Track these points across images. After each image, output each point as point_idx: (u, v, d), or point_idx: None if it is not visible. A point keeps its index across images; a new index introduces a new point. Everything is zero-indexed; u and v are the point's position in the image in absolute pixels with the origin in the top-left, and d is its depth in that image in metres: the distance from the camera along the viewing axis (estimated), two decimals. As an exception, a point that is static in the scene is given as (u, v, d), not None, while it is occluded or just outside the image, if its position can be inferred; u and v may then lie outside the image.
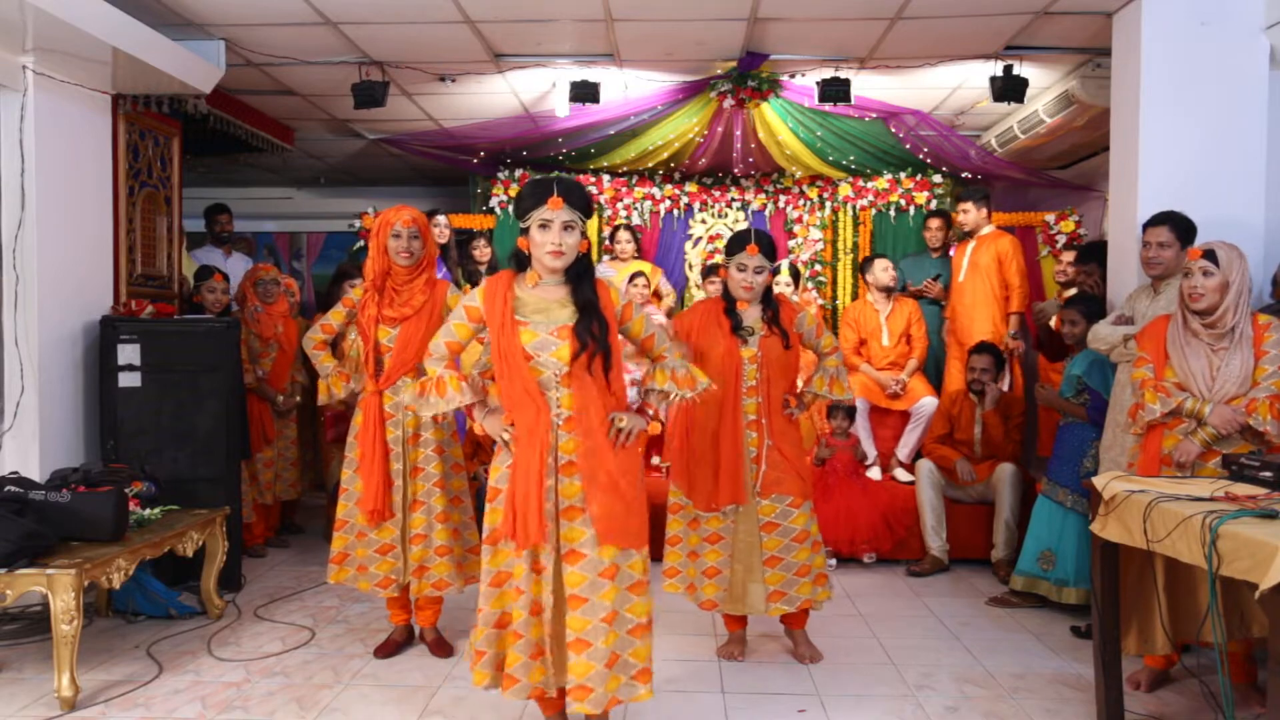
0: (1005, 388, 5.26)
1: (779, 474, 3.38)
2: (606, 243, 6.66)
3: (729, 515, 3.42)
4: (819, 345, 3.52)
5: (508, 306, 2.51)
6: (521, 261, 2.59)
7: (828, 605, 3.62)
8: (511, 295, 2.54)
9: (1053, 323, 4.89)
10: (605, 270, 6.21)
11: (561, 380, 2.49)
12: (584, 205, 2.51)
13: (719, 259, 6.91)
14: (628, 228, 6.42)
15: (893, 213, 6.82)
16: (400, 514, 3.46)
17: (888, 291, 5.68)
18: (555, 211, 2.45)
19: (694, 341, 3.44)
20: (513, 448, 2.52)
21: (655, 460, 5.28)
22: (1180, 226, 3.58)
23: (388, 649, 3.67)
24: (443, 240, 6.28)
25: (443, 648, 3.64)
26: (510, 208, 6.92)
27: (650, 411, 2.74)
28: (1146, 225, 3.67)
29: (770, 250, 3.38)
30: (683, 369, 2.69)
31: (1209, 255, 3.07)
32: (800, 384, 3.70)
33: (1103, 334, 3.75)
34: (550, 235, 2.46)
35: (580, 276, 2.54)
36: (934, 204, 6.75)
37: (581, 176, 6.95)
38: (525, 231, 2.51)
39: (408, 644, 3.73)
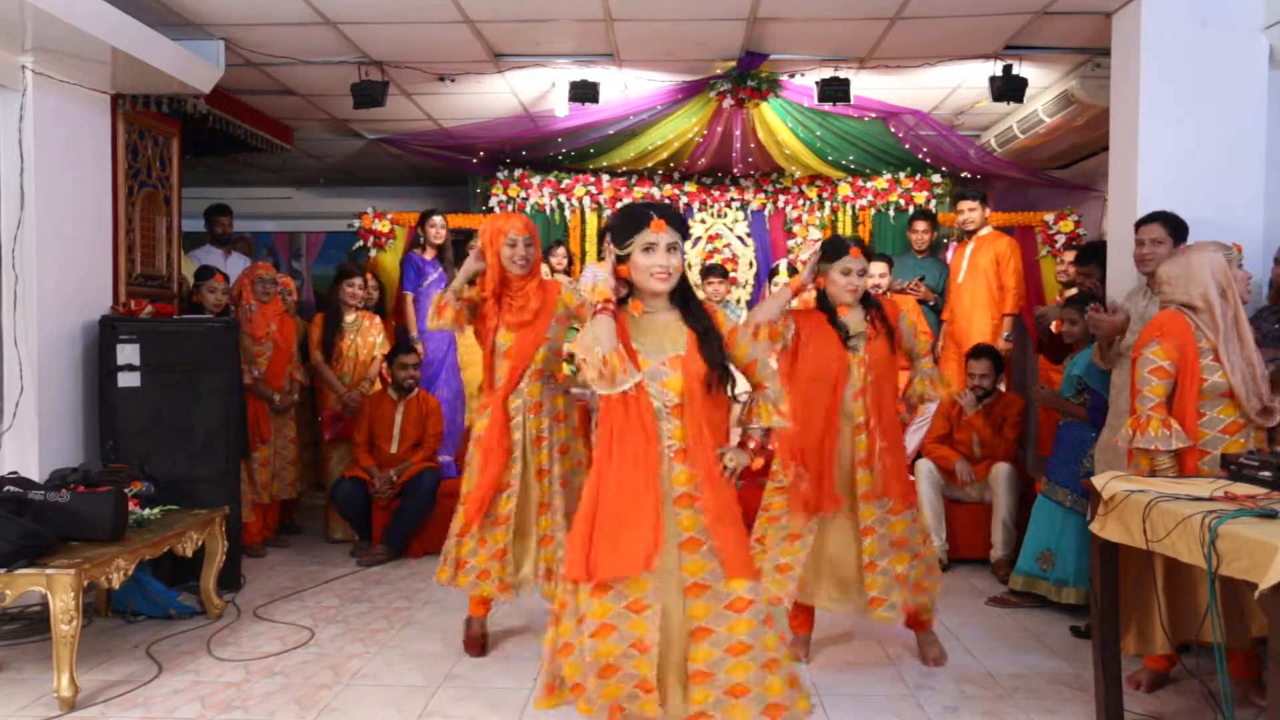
0: (1001, 388, 5.26)
1: (885, 479, 3.34)
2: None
3: (814, 521, 3.37)
4: (915, 346, 3.50)
5: (622, 331, 2.48)
6: (622, 300, 2.55)
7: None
8: (624, 320, 2.51)
9: (1054, 326, 4.89)
10: (597, 271, 6.20)
11: (672, 411, 2.46)
12: (682, 227, 2.50)
13: (718, 259, 6.92)
14: None
15: (892, 212, 6.82)
16: (511, 518, 3.42)
17: (882, 294, 5.66)
18: (659, 234, 2.42)
19: (801, 355, 3.38)
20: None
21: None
22: (1172, 224, 3.58)
23: (479, 646, 3.64)
24: (439, 241, 6.28)
25: None
26: (509, 207, 6.92)
27: (752, 445, 2.68)
28: (1139, 224, 3.68)
29: (869, 253, 3.38)
30: (784, 401, 2.66)
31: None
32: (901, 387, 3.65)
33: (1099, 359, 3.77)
34: (656, 258, 2.43)
35: (687, 299, 2.52)
36: (933, 204, 6.75)
37: (581, 176, 6.95)
38: (623, 259, 2.48)
39: (487, 636, 3.70)
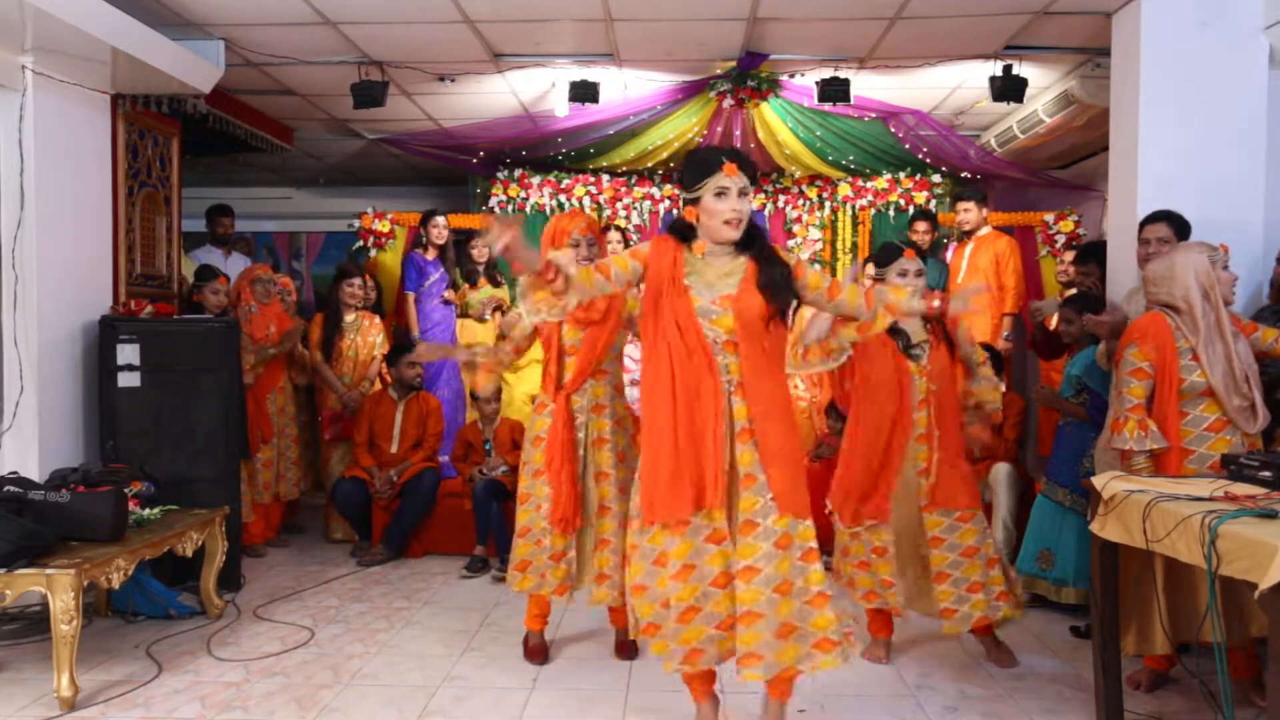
0: (1001, 389, 5.25)
1: (950, 487, 3.33)
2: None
3: (890, 530, 3.36)
4: (972, 355, 3.48)
5: (677, 268, 2.47)
6: (684, 232, 2.54)
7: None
8: (681, 257, 2.50)
9: (1047, 322, 4.89)
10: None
11: (725, 347, 2.47)
12: (753, 173, 2.49)
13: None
14: (618, 228, 6.41)
15: (892, 212, 6.81)
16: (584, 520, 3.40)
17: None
18: (731, 178, 2.41)
19: (859, 366, 3.37)
20: (567, 269, 2.34)
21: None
22: (1177, 224, 3.59)
23: (540, 654, 3.59)
24: (441, 241, 6.29)
25: (628, 649, 3.56)
26: (508, 207, 6.92)
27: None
28: (1144, 223, 3.69)
29: (924, 255, 3.38)
30: (890, 296, 2.67)
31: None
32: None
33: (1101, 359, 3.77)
34: (728, 202, 2.42)
35: (752, 244, 2.51)
36: (933, 204, 6.75)
37: (581, 176, 6.95)
38: (693, 202, 2.47)
39: (544, 647, 3.66)
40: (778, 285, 2.45)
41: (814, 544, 2.51)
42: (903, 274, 3.33)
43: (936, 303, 2.80)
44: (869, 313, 2.64)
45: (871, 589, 3.43)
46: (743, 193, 2.43)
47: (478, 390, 3.30)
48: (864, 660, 3.58)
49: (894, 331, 3.30)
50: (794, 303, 2.60)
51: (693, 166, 2.48)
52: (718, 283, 2.49)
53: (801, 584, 2.45)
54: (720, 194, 2.42)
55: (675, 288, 2.46)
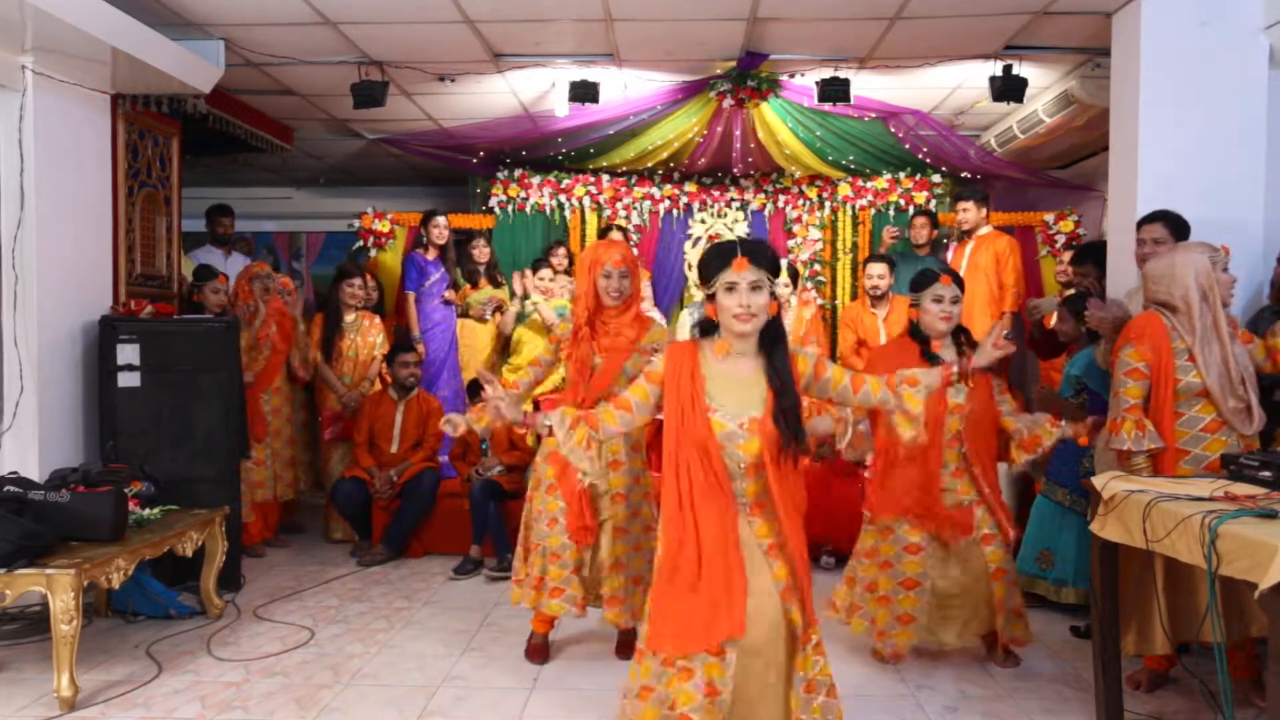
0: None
1: (1003, 520, 3.39)
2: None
3: (929, 560, 3.36)
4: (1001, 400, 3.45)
5: (696, 386, 2.38)
6: (707, 329, 2.47)
7: (827, 604, 3.62)
8: (699, 372, 2.39)
9: (1051, 321, 4.89)
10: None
11: (746, 470, 2.39)
12: (772, 264, 2.37)
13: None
14: (619, 228, 6.41)
15: (892, 212, 6.81)
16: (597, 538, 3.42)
17: (881, 296, 5.66)
18: (740, 273, 2.32)
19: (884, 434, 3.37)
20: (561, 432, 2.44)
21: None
22: (1173, 223, 3.59)
23: (541, 654, 3.61)
24: (441, 241, 6.29)
25: (628, 650, 3.51)
26: (508, 207, 6.92)
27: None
28: (1141, 223, 3.69)
29: (960, 280, 3.34)
30: (905, 390, 2.54)
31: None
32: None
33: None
34: (737, 297, 2.33)
35: (774, 345, 2.40)
36: (933, 204, 6.75)
37: (581, 176, 6.95)
38: (711, 298, 2.40)
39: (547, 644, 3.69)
40: (788, 420, 2.36)
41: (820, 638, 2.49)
42: (938, 300, 3.31)
43: (955, 369, 2.71)
44: (894, 399, 2.54)
45: (882, 629, 3.39)
46: (755, 287, 2.33)
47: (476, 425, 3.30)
48: (843, 660, 3.58)
49: (927, 357, 3.28)
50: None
51: (708, 261, 2.41)
52: (746, 397, 2.39)
53: (819, 678, 2.43)
54: (730, 289, 2.35)
55: (697, 409, 2.37)
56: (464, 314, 6.40)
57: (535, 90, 5.68)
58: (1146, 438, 3.03)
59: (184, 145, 5.26)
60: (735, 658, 2.33)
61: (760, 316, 2.34)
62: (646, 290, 6.39)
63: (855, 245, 6.89)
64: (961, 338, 3.39)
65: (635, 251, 3.47)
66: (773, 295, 2.37)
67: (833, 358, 6.41)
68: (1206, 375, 3.01)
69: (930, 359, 3.27)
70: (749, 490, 2.40)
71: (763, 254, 2.36)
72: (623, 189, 6.99)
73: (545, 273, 6.07)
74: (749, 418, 2.36)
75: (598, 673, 3.46)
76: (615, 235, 6.30)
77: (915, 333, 3.41)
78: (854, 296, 6.74)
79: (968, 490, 3.37)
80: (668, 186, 7.01)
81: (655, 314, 5.90)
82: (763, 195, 7.01)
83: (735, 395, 2.38)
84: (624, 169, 6.85)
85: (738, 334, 2.37)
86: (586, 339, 3.38)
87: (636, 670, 2.44)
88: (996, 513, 3.39)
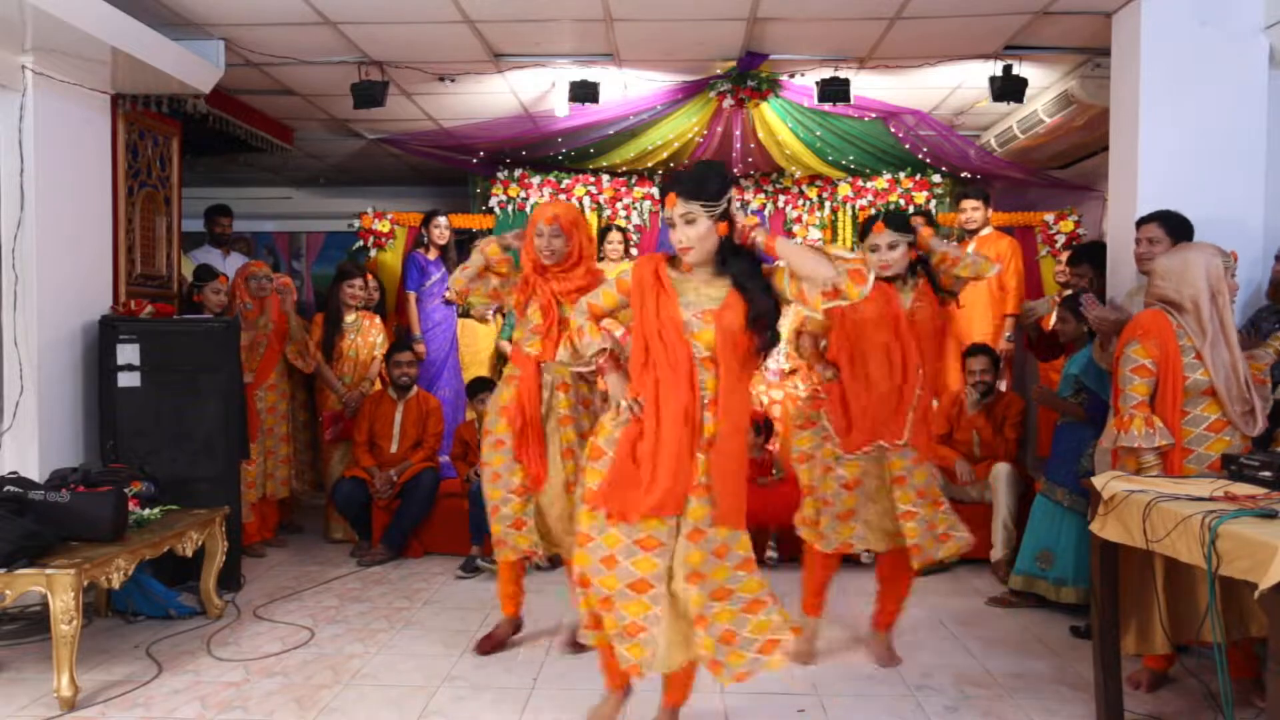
0: (1002, 388, 5.26)
1: (914, 428, 3.36)
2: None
3: (865, 461, 3.38)
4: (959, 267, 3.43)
5: (661, 282, 2.55)
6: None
7: (827, 604, 3.63)
8: (665, 273, 2.57)
9: (1049, 322, 4.89)
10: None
11: (704, 362, 2.52)
12: (707, 193, 2.47)
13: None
14: (619, 228, 6.40)
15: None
16: (545, 493, 3.47)
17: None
18: (671, 209, 2.51)
19: (840, 339, 3.43)
20: (632, 412, 2.54)
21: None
22: (1170, 223, 3.58)
23: (492, 645, 3.66)
24: (443, 241, 6.29)
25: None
26: (508, 207, 6.94)
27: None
28: (1140, 222, 3.70)
29: (901, 224, 3.37)
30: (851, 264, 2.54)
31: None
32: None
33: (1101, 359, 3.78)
34: (675, 233, 2.52)
35: (729, 260, 2.54)
36: (934, 204, 6.75)
37: (581, 176, 6.95)
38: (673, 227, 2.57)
39: (511, 635, 3.71)
40: (763, 320, 2.50)
41: (750, 554, 2.59)
42: (874, 249, 3.37)
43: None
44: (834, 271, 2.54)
45: (823, 530, 3.42)
46: (689, 220, 2.48)
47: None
48: (843, 660, 3.59)
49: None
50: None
51: (660, 192, 2.58)
52: (700, 297, 2.55)
53: (738, 591, 2.55)
54: (670, 224, 2.53)
55: (665, 294, 2.53)
56: (465, 314, 6.40)
57: (535, 90, 5.68)
58: (1157, 434, 3.01)
59: (184, 145, 5.25)
60: (665, 534, 2.50)
61: (699, 246, 2.50)
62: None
63: (855, 245, 6.88)
64: (921, 278, 3.40)
65: (583, 214, 3.54)
66: (721, 218, 2.49)
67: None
68: (1215, 375, 3.00)
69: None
70: (708, 384, 2.52)
71: (694, 188, 2.48)
72: (623, 189, 6.99)
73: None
74: (704, 309, 2.51)
75: (598, 673, 3.45)
76: (614, 236, 6.30)
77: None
78: (854, 296, 6.72)
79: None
80: (668, 186, 7.00)
81: None
82: (763, 195, 7.01)
83: (695, 292, 2.55)
84: (624, 169, 6.85)
85: (686, 262, 2.57)
86: (541, 286, 3.44)
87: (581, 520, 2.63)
88: (917, 424, 3.36)
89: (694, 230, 2.48)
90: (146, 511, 3.76)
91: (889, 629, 3.65)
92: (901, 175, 6.80)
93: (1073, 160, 6.66)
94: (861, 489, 3.40)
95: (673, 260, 2.62)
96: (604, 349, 2.67)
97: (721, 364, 2.50)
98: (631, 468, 2.52)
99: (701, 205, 2.47)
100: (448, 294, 3.62)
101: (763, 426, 5.28)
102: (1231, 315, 3.07)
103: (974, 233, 5.86)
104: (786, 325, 2.85)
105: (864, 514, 3.41)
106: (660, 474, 2.47)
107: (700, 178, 2.51)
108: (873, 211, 6.76)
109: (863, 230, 3.49)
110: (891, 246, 3.36)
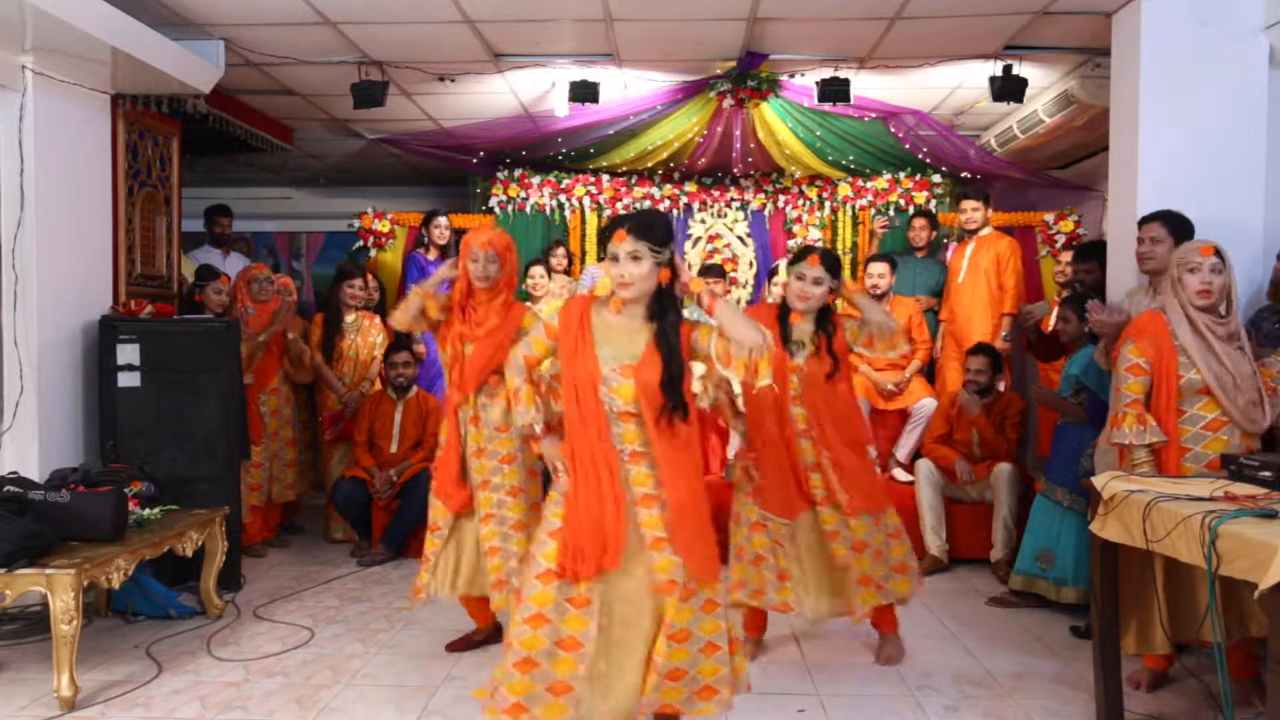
0: (1001, 388, 5.26)
1: (834, 486, 3.37)
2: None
3: (794, 524, 3.40)
4: (861, 337, 3.49)
5: (584, 332, 2.53)
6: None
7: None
8: (588, 320, 2.54)
9: (1050, 323, 4.89)
10: (595, 271, 6.19)
11: (619, 417, 2.49)
12: (655, 236, 2.48)
13: (718, 259, 6.92)
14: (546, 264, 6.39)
15: (891, 211, 6.81)
16: (443, 528, 3.50)
17: (881, 295, 5.65)
18: (619, 245, 2.48)
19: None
20: (567, 477, 2.51)
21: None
22: (1173, 223, 3.59)
23: (463, 644, 3.72)
24: (443, 241, 6.29)
25: None
26: (508, 207, 6.95)
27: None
28: (1141, 222, 3.70)
29: (833, 266, 3.39)
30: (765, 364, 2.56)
31: (1218, 253, 3.07)
32: None
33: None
34: (617, 267, 2.50)
35: (663, 313, 2.52)
36: (933, 204, 6.75)
37: (581, 176, 6.95)
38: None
39: (489, 641, 3.71)
40: (675, 383, 2.48)
41: (715, 596, 2.56)
42: (800, 277, 3.37)
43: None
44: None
45: (761, 587, 3.42)
46: (634, 257, 2.47)
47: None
48: (843, 660, 3.59)
49: (782, 321, 3.39)
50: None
51: (601, 234, 2.59)
52: (623, 351, 2.52)
53: (699, 633, 2.52)
54: (614, 259, 2.51)
55: (584, 350, 2.52)
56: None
57: (535, 90, 5.68)
58: (1148, 432, 3.03)
59: (184, 145, 5.25)
60: (602, 591, 2.44)
61: (638, 285, 2.48)
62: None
63: (855, 245, 6.88)
64: (821, 334, 3.40)
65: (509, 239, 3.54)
66: (664, 265, 2.50)
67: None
68: (1207, 375, 3.01)
69: (784, 326, 3.39)
70: (625, 436, 2.49)
71: (644, 228, 2.49)
72: (623, 189, 6.99)
73: (536, 270, 6.05)
74: (622, 364, 2.49)
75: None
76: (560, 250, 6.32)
77: (783, 304, 3.46)
78: (854, 296, 6.72)
79: (810, 451, 3.38)
80: (668, 186, 7.01)
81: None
82: (763, 195, 7.01)
83: (616, 343, 2.52)
84: (624, 169, 6.85)
85: (621, 299, 2.53)
86: (457, 319, 3.46)
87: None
88: (830, 478, 3.37)
89: (637, 269, 2.48)
90: (146, 511, 3.76)
91: (892, 630, 3.66)
92: (901, 175, 6.80)
93: (1073, 160, 6.66)
94: (792, 546, 3.42)
95: (600, 301, 2.61)
96: (529, 423, 2.64)
97: (646, 417, 2.47)
98: (567, 525, 2.48)
99: (649, 246, 2.48)
100: (393, 324, 3.66)
101: None
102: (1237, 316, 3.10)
103: (974, 233, 5.86)
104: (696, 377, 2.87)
105: (796, 572, 3.41)
106: (584, 527, 2.44)
107: (650, 220, 2.53)
108: (872, 212, 6.81)
109: (796, 256, 3.50)
110: (817, 282, 3.36)
